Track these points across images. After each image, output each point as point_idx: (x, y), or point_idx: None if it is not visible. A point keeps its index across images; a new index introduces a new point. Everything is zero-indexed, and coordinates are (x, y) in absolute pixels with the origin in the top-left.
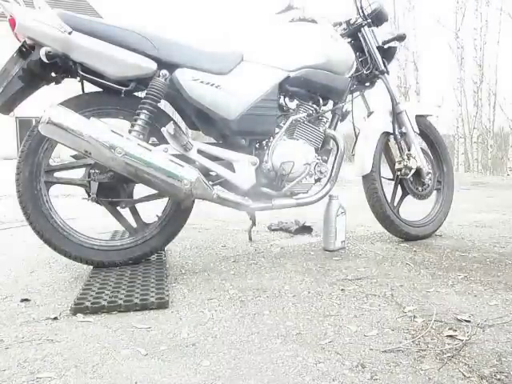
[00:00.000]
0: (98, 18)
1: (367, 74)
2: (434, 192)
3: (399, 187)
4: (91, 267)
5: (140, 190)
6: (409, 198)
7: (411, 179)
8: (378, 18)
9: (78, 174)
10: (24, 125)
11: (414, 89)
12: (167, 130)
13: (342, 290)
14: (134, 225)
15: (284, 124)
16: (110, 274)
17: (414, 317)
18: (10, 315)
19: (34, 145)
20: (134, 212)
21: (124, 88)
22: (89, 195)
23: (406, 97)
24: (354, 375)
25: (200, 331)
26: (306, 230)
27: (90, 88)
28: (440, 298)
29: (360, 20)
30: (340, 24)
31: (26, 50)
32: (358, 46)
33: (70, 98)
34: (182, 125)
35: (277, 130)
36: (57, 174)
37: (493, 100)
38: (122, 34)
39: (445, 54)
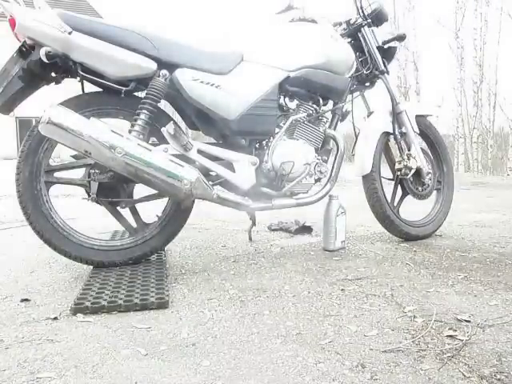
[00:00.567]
0: (98, 17)
1: (367, 74)
2: (434, 192)
3: (399, 187)
4: (91, 267)
5: (140, 190)
6: (409, 197)
7: (411, 179)
8: (378, 18)
9: (78, 174)
10: (24, 125)
11: (414, 89)
12: (167, 129)
13: (342, 289)
14: (134, 225)
15: (284, 124)
16: (110, 274)
17: (414, 317)
18: (10, 315)
19: (34, 145)
20: (134, 212)
21: (124, 88)
22: (89, 195)
23: (406, 97)
24: (354, 375)
25: (200, 331)
26: (305, 229)
27: (90, 88)
28: (440, 298)
29: (360, 20)
30: (340, 24)
31: (26, 50)
32: (358, 46)
33: (70, 98)
34: (182, 125)
35: (277, 130)
36: (57, 174)
37: (493, 100)
38: (122, 34)
39: (445, 54)
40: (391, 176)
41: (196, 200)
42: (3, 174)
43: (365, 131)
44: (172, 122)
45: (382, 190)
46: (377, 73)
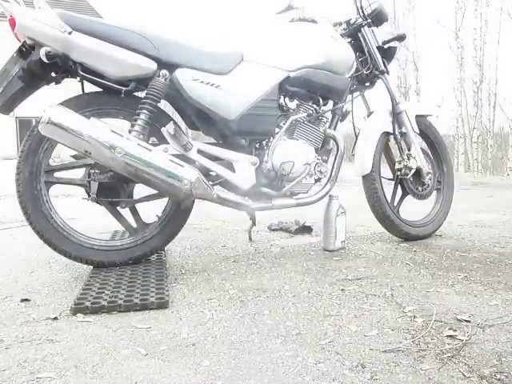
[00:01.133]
0: (98, 17)
1: (367, 74)
2: (434, 192)
3: (399, 187)
4: (91, 267)
5: (140, 190)
6: (409, 197)
7: (411, 179)
8: (378, 18)
9: (78, 174)
10: (24, 125)
11: (414, 89)
12: (167, 129)
13: (342, 289)
14: (134, 225)
15: (284, 124)
16: (110, 274)
17: (414, 317)
18: (10, 315)
19: (34, 145)
20: (134, 212)
21: (124, 88)
22: (89, 195)
23: (406, 97)
24: (354, 375)
25: (200, 331)
26: (305, 229)
27: (90, 88)
28: (440, 298)
29: (360, 20)
30: (340, 24)
31: (26, 50)
32: (358, 46)
33: (70, 98)
34: (182, 125)
35: (277, 130)
36: (57, 174)
37: (493, 100)
38: (122, 34)
39: (445, 54)
40: (391, 176)
41: (196, 200)
42: (3, 174)
43: (365, 131)
44: (172, 122)
45: (382, 190)
46: (377, 73)
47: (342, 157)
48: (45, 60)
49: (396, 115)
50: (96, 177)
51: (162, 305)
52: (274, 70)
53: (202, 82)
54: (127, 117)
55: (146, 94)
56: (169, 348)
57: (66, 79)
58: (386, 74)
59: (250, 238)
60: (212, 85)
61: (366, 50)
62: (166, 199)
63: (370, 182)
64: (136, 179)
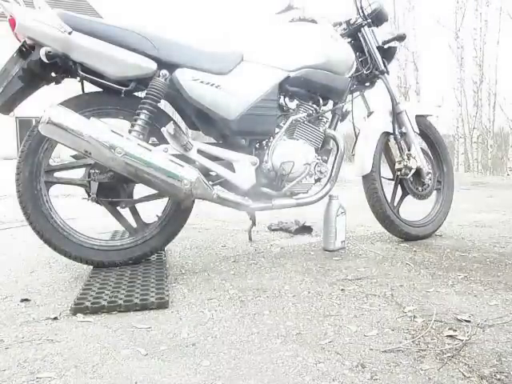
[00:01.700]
0: (98, 17)
1: (367, 74)
2: (434, 192)
3: (399, 187)
4: (91, 267)
5: (140, 190)
6: (409, 197)
7: (411, 179)
8: (378, 18)
9: (78, 174)
10: (24, 125)
11: (414, 89)
12: (167, 129)
13: (342, 289)
14: (134, 225)
15: (284, 124)
16: (110, 274)
17: (414, 317)
18: (10, 315)
19: (34, 145)
20: (134, 212)
21: (124, 88)
22: (89, 195)
23: (406, 97)
24: (354, 375)
25: (200, 331)
26: (305, 229)
27: (90, 88)
28: (440, 298)
29: (360, 20)
30: (340, 24)
31: (26, 50)
32: (358, 46)
33: (70, 98)
34: (182, 125)
35: (277, 130)
36: (57, 174)
37: (493, 100)
38: (122, 34)
39: (445, 54)
40: (391, 176)
41: (196, 200)
42: (3, 174)
43: (365, 131)
44: (172, 121)
45: (382, 190)
46: (377, 73)
47: (342, 157)
48: (45, 60)
49: (396, 115)
50: (96, 177)
51: (162, 305)
52: (273, 69)
53: (202, 81)
54: (127, 117)
55: (146, 93)
56: (169, 348)
57: (66, 79)
58: (385, 74)
59: (250, 238)
60: (212, 85)
61: (365, 49)
62: (166, 199)
63: (370, 181)
64: (136, 179)
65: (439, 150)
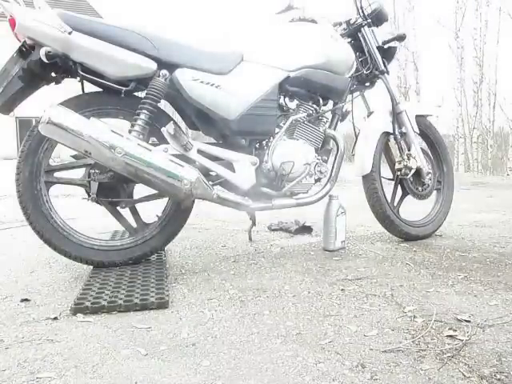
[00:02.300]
0: (98, 17)
1: (367, 74)
2: (434, 192)
3: (399, 187)
4: (91, 267)
5: (140, 190)
6: (409, 197)
7: (411, 179)
8: (378, 18)
9: (78, 174)
10: (24, 125)
11: (414, 89)
12: (167, 129)
13: (342, 289)
14: (134, 225)
15: (284, 124)
16: (110, 274)
17: (414, 317)
18: (10, 315)
19: (34, 145)
20: (134, 212)
21: (124, 88)
22: (89, 195)
23: (406, 97)
24: (354, 375)
25: (200, 331)
26: (305, 229)
27: (90, 88)
28: (440, 298)
29: (360, 20)
30: (340, 24)
31: (26, 50)
32: (358, 46)
33: (70, 98)
34: (182, 125)
35: (277, 130)
36: (57, 174)
37: (493, 100)
38: (122, 34)
39: (445, 54)
40: (391, 176)
41: (196, 200)
42: (3, 174)
43: (365, 131)
44: (172, 121)
45: (382, 190)
46: (377, 73)
47: (342, 157)
48: (45, 60)
49: (396, 115)
50: (96, 177)
51: (162, 305)
52: (273, 69)
53: (201, 81)
54: (127, 117)
55: (146, 93)
56: (169, 348)
57: (66, 79)
58: (385, 74)
59: (250, 238)
60: (212, 85)
61: (365, 49)
62: (166, 199)
63: (370, 181)
64: (136, 179)
65: (439, 150)
